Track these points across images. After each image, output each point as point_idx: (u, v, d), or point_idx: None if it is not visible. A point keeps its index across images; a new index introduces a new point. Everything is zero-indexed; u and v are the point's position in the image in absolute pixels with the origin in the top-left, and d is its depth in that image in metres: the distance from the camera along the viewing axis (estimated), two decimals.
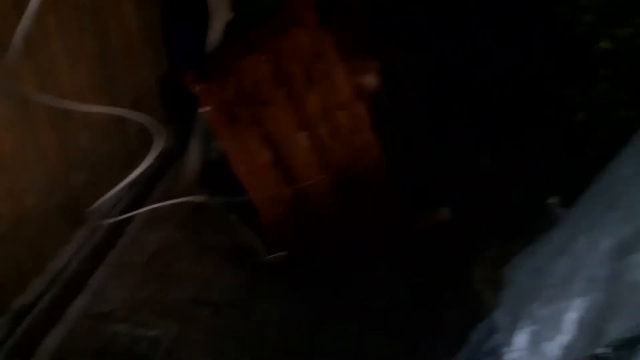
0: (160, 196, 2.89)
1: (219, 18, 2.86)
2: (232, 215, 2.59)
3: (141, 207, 2.67)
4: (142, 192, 2.78)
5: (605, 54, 1.91)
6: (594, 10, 1.97)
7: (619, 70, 1.91)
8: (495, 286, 2.07)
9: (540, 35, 2.56)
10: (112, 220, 2.42)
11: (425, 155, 3.00)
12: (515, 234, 2.15)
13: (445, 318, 2.25)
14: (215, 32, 2.89)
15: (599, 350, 1.09)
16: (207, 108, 2.49)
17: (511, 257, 1.84)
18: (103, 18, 2.43)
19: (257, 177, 2.61)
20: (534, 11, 2.58)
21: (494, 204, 2.71)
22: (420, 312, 2.31)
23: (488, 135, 3.00)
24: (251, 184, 2.57)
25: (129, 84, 2.69)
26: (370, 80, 3.03)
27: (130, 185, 2.29)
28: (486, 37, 3.27)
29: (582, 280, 1.23)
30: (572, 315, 1.15)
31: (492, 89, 3.03)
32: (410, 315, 2.29)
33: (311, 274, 2.48)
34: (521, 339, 1.25)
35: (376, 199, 2.83)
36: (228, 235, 2.69)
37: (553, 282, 1.31)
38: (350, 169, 2.89)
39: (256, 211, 2.56)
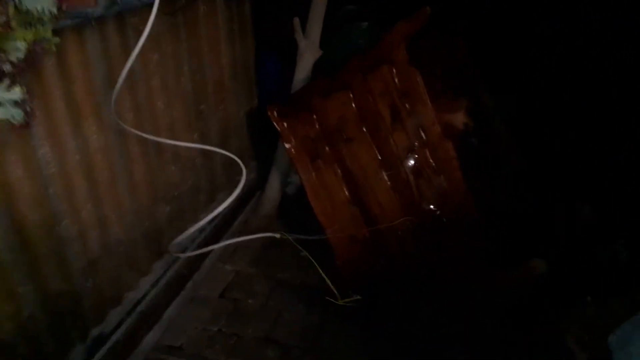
0: (238, 230, 2.95)
1: (308, 56, 2.90)
2: (304, 253, 2.54)
3: (219, 240, 2.71)
4: (221, 225, 2.82)
5: None
6: None
7: None
8: (591, 349, 1.82)
9: None
10: (190, 254, 2.46)
11: (517, 201, 2.77)
12: (617, 292, 1.92)
13: None
14: (303, 69, 2.93)
15: None
16: (290, 144, 2.48)
17: (609, 319, 1.60)
18: (199, 56, 2.52)
19: (335, 216, 2.54)
20: None
21: (593, 258, 2.42)
22: None
23: (587, 182, 2.70)
24: (328, 222, 2.50)
25: (218, 119, 2.78)
26: (459, 119, 2.90)
27: (212, 218, 2.30)
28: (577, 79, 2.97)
29: None
30: None
31: (588, 131, 2.74)
32: None
33: (385, 323, 2.34)
34: None
35: (461, 248, 2.65)
36: (301, 272, 2.65)
37: None
38: (434, 212, 2.74)
39: (330, 250, 2.49)
